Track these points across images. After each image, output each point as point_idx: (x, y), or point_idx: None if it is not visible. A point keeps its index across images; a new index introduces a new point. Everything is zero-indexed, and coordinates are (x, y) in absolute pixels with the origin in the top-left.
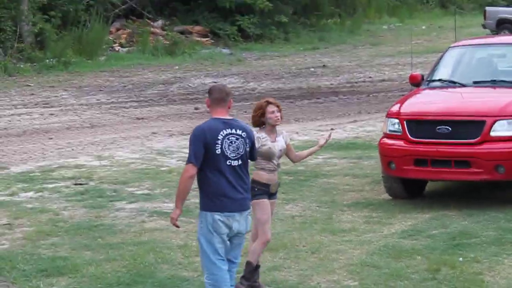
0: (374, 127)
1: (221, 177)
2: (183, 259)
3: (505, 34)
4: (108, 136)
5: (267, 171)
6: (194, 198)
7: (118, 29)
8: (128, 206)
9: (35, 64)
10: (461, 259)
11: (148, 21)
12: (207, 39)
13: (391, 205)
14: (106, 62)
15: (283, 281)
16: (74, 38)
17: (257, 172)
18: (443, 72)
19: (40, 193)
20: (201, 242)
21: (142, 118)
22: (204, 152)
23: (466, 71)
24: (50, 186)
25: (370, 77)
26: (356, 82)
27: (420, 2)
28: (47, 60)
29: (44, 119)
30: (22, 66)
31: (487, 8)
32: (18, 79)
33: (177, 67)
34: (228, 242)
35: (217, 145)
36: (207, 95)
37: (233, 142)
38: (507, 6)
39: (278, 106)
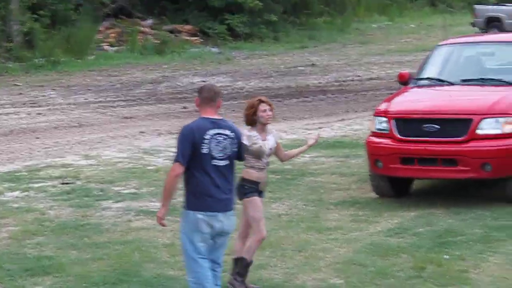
0: (362, 125)
1: (206, 176)
2: (169, 258)
3: (494, 32)
4: (95, 135)
5: (256, 169)
6: (180, 197)
7: (107, 28)
8: (114, 205)
9: (23, 63)
10: (446, 257)
11: (137, 20)
12: (196, 38)
13: (378, 204)
14: (95, 61)
15: (269, 279)
16: (63, 37)
17: (247, 170)
18: (431, 71)
19: (26, 193)
20: (183, 241)
21: (130, 117)
22: (191, 151)
23: (454, 69)
24: (37, 185)
25: (358, 76)
26: (344, 81)
27: (409, 1)
28: (36, 60)
29: (32, 118)
30: (10, 65)
31: (476, 7)
32: (7, 79)
33: (166, 66)
34: (210, 241)
35: (204, 145)
36: (195, 94)
37: (221, 142)
38: (496, 4)
39: (270, 105)
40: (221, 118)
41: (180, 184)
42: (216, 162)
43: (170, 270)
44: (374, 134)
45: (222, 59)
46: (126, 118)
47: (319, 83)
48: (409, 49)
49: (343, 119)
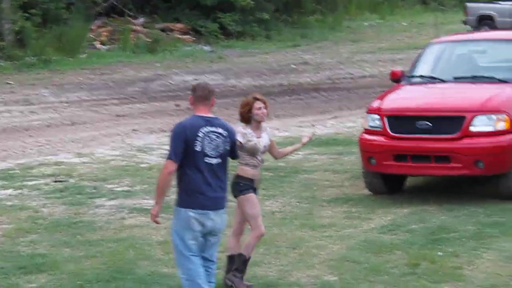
0: (355, 123)
1: (198, 174)
2: (162, 255)
3: (485, 30)
4: (88, 133)
5: (251, 166)
6: (174, 195)
7: (99, 27)
8: (107, 203)
9: (15, 62)
10: (440, 253)
11: (129, 18)
12: (188, 36)
13: (371, 201)
14: (87, 59)
15: (263, 276)
16: (55, 36)
17: (242, 168)
18: (423, 68)
19: (19, 191)
20: (174, 238)
21: (123, 115)
22: (184, 148)
23: (446, 67)
24: (30, 183)
25: (351, 74)
26: (337, 79)
27: None
28: (28, 58)
29: (24, 116)
30: (2, 64)
31: (468, 5)
32: None
33: (158, 65)
34: (201, 239)
35: (196, 142)
36: (188, 92)
37: (213, 140)
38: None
39: (265, 103)
40: (214, 116)
41: (174, 182)
42: (208, 160)
43: (164, 268)
44: (367, 131)
45: (214, 58)
46: (119, 116)
47: (312, 81)
48: (401, 47)
49: (336, 117)
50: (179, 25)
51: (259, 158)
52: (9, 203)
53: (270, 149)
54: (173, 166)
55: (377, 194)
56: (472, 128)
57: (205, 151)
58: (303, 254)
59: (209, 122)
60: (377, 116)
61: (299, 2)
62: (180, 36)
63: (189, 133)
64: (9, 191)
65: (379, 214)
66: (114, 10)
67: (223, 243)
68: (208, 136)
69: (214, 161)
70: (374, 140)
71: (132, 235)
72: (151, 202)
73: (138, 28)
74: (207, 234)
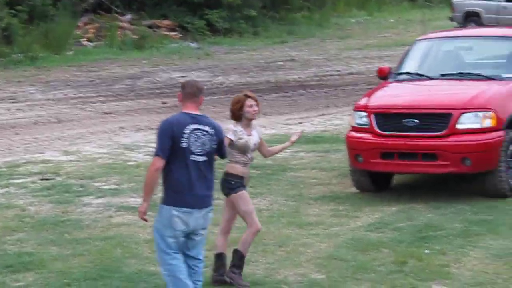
0: (342, 120)
1: (184, 171)
2: (150, 253)
3: (472, 27)
4: (75, 131)
5: (241, 164)
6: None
7: (85, 24)
8: (95, 201)
9: (2, 59)
10: (427, 251)
11: (116, 15)
12: (175, 33)
13: (358, 198)
14: (73, 56)
15: (250, 274)
16: (41, 32)
17: (232, 166)
18: (410, 65)
19: (6, 189)
20: (155, 235)
21: (110, 113)
22: (170, 145)
23: (433, 64)
24: (17, 181)
25: (338, 71)
26: (324, 76)
27: None
28: (14, 55)
29: (11, 114)
30: None
31: (454, 1)
32: None
33: (145, 62)
34: (182, 239)
35: (183, 139)
36: (175, 89)
37: (200, 137)
38: None
39: (256, 100)
40: (202, 114)
41: (161, 180)
42: (194, 157)
43: (151, 266)
44: (354, 129)
45: (201, 54)
46: (106, 113)
47: (299, 78)
48: (388, 44)
49: (323, 114)
50: (166, 22)
51: (249, 156)
52: None
53: (259, 147)
54: (160, 162)
55: (365, 192)
56: (459, 126)
57: (191, 148)
58: (290, 252)
59: (195, 119)
60: (364, 114)
61: None
62: (167, 33)
63: (175, 130)
64: None
65: (366, 212)
66: (101, 6)
67: (210, 241)
68: (195, 134)
69: (200, 159)
70: (361, 138)
71: (120, 233)
72: (139, 200)
73: (125, 25)
74: (191, 233)
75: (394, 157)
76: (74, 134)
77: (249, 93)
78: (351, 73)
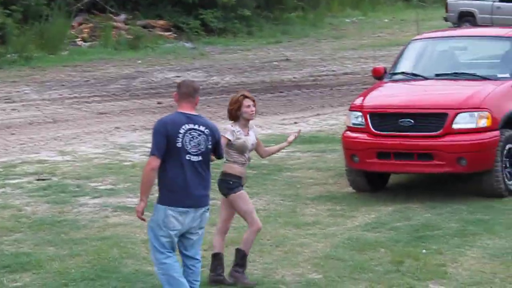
0: (337, 120)
1: (179, 171)
2: (147, 253)
3: (466, 26)
4: (70, 131)
5: (239, 164)
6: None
7: (80, 24)
8: (91, 201)
9: None
10: (424, 251)
11: (110, 15)
12: (170, 33)
13: (355, 198)
14: (68, 56)
15: (248, 274)
16: (36, 32)
17: (230, 165)
18: (405, 65)
19: (2, 189)
20: (149, 234)
21: (105, 113)
22: (166, 144)
23: (428, 64)
24: (13, 181)
25: (333, 71)
26: (319, 76)
27: None
28: (9, 55)
29: (6, 114)
30: None
31: (449, 1)
32: None
33: (139, 62)
34: (176, 238)
35: (178, 139)
36: (170, 89)
37: (195, 137)
38: None
39: (253, 101)
40: (197, 114)
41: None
42: (190, 157)
43: (148, 266)
44: (350, 129)
45: (196, 54)
46: (101, 113)
47: (294, 78)
48: (382, 43)
49: (318, 114)
50: (160, 22)
51: (246, 156)
52: None
53: (256, 147)
54: (156, 161)
55: (361, 191)
56: (455, 126)
57: (187, 148)
58: (287, 252)
59: (191, 119)
60: (359, 114)
61: None
62: (162, 33)
63: (170, 129)
64: None
65: (363, 212)
66: (95, 6)
67: (207, 241)
68: (190, 133)
69: (195, 158)
70: (357, 138)
71: (116, 233)
72: (135, 200)
73: (120, 25)
74: (186, 233)
75: (390, 157)
76: (70, 134)
77: (246, 94)
78: (346, 73)
